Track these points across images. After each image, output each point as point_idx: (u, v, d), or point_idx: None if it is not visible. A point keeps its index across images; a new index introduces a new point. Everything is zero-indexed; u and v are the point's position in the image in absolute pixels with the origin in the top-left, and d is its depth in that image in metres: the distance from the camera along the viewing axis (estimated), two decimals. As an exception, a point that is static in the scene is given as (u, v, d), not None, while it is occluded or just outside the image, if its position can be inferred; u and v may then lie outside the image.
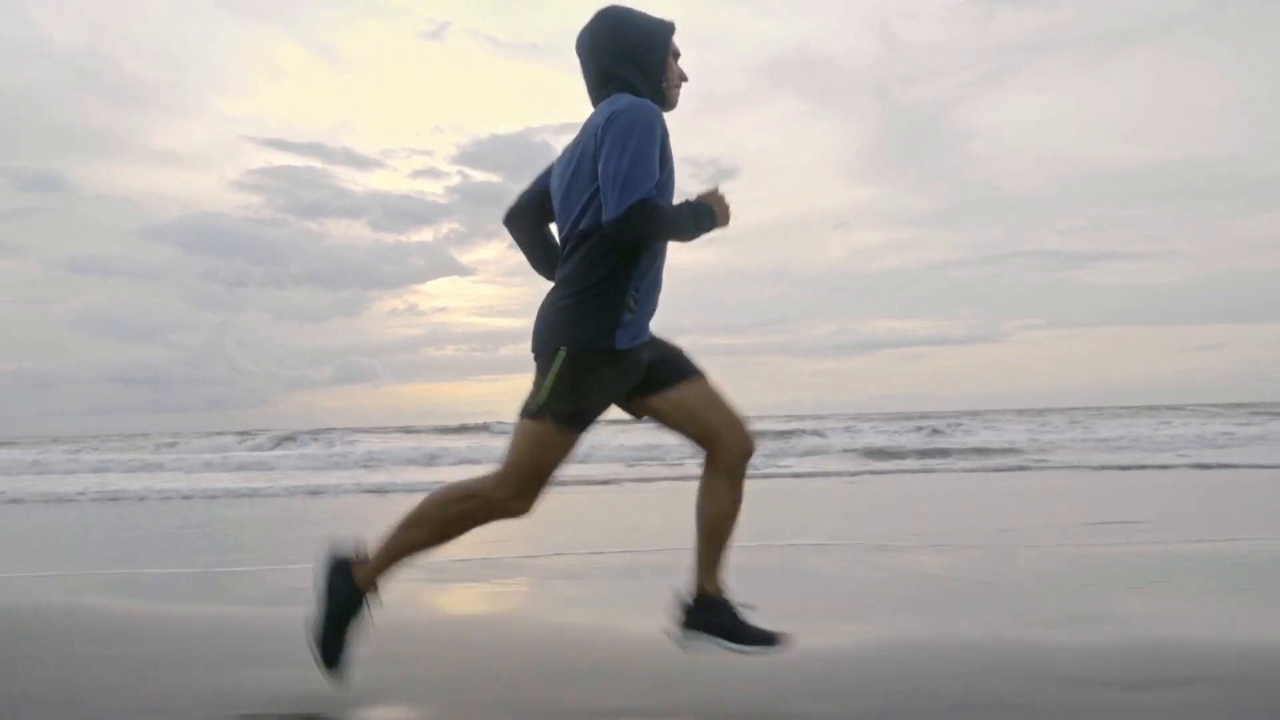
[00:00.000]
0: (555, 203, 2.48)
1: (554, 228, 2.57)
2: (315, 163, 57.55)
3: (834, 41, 56.05)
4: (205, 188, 58.65)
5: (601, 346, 2.28)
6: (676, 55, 2.48)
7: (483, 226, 57.52)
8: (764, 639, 2.50)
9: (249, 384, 55.27)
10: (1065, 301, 58.92)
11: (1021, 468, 13.34)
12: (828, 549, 5.93)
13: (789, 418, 30.47)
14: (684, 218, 2.28)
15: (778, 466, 13.78)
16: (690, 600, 2.55)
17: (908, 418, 26.44)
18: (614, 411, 2.50)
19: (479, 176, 54.23)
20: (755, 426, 2.58)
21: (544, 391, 2.30)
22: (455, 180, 53.54)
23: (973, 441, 17.97)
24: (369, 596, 2.44)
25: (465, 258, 60.91)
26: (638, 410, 2.51)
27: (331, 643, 2.40)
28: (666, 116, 2.39)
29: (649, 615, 3.06)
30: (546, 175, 2.59)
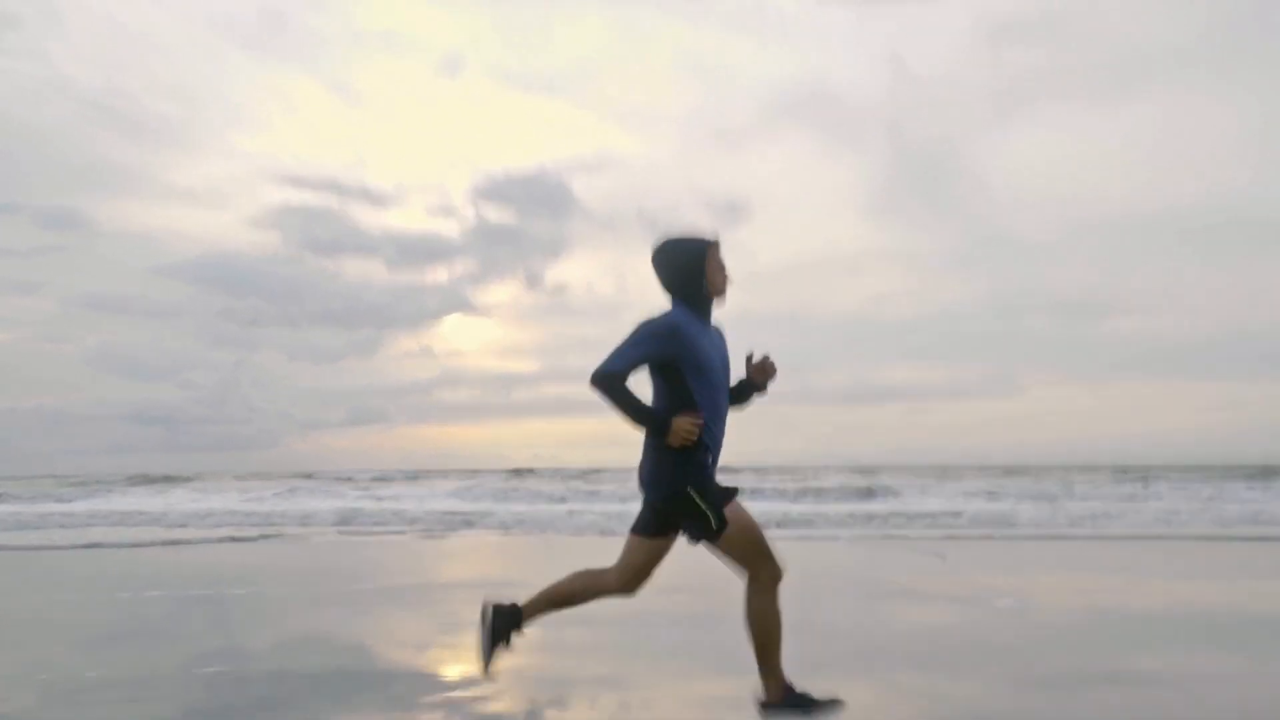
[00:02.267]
0: None
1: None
2: (331, 200, 58.19)
3: (846, 76, 56.24)
4: (222, 225, 59.30)
5: (700, 475, 3.13)
6: (718, 260, 3.24)
7: (497, 265, 57.87)
8: (825, 703, 3.16)
9: (263, 424, 55.47)
10: (1079, 354, 58.28)
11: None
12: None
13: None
14: (632, 409, 3.08)
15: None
16: (773, 694, 3.19)
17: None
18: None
19: (494, 214, 54.78)
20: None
21: (710, 517, 3.07)
22: (470, 218, 54.03)
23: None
24: (518, 627, 3.42)
25: (479, 298, 61.27)
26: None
27: (490, 654, 3.38)
28: (718, 311, 3.28)
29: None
30: None
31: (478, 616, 3.40)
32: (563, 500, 20.79)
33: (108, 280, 57.57)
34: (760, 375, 3.28)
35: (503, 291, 60.55)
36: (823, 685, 3.19)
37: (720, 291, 3.25)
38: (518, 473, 32.56)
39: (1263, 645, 4.79)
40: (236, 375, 54.75)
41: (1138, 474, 25.43)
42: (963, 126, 54.92)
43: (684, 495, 3.08)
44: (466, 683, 4.05)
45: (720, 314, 3.26)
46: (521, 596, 3.38)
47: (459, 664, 4.44)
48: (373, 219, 56.70)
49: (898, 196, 55.42)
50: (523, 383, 64.88)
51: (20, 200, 51.37)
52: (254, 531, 13.87)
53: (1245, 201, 49.88)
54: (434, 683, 4.12)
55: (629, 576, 3.27)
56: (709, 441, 3.13)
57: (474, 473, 33.64)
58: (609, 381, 3.04)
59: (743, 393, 3.28)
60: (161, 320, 56.08)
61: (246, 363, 56.42)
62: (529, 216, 53.90)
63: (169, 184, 53.38)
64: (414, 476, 32.03)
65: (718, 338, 3.27)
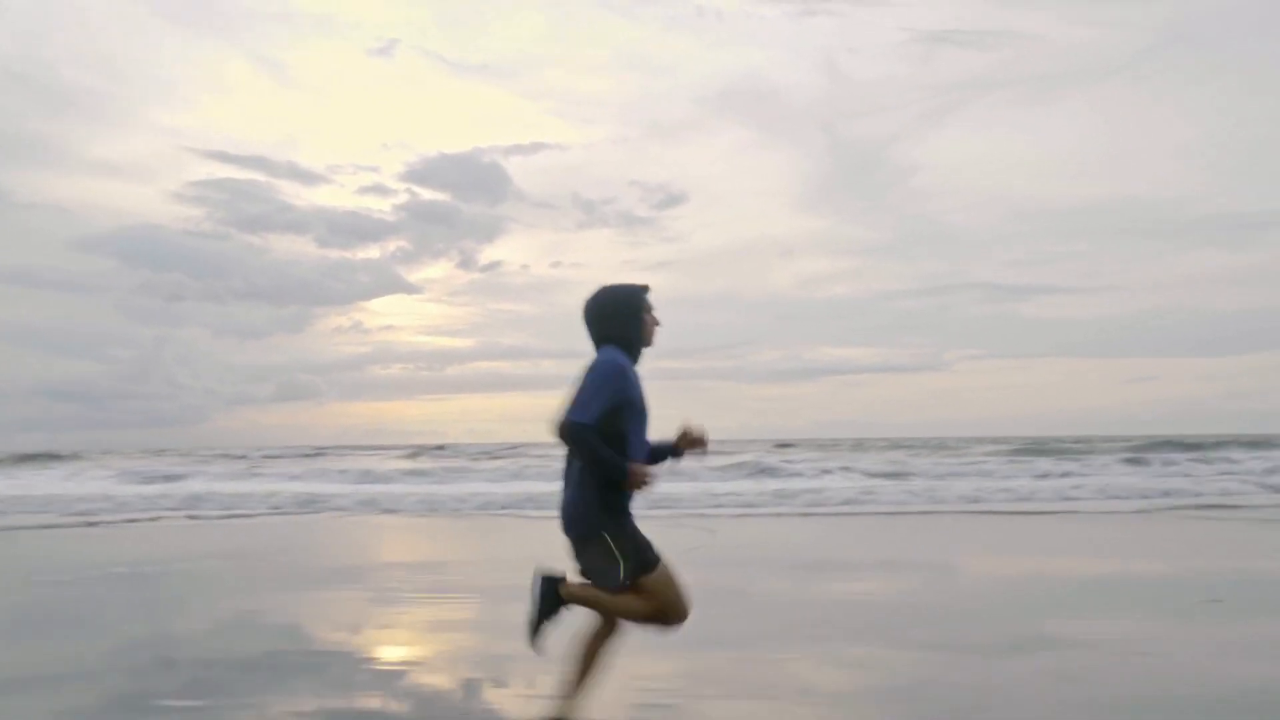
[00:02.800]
0: None
1: None
2: (259, 176, 56.69)
3: (782, 75, 57.04)
4: (144, 199, 57.49)
5: (624, 519, 3.12)
6: (650, 309, 3.30)
7: (431, 245, 57.11)
8: None
9: (187, 400, 54.01)
10: (1004, 333, 60.31)
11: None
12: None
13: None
14: (602, 458, 3.03)
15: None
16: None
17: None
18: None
19: (427, 195, 54.11)
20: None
21: (623, 567, 3.06)
22: (403, 198, 53.26)
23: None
24: (566, 604, 3.22)
25: (412, 276, 60.57)
26: None
27: (541, 628, 3.20)
28: (646, 353, 3.28)
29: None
30: None
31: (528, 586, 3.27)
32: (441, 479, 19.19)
33: (24, 253, 55.40)
34: (688, 447, 3.27)
35: (436, 270, 59.92)
36: (764, 657, 3.19)
37: (651, 340, 3.29)
38: (441, 449, 32.11)
39: (1165, 608, 4.99)
40: (158, 351, 53.23)
41: (1050, 447, 26.22)
42: (895, 125, 56.29)
43: (598, 539, 3.07)
44: (404, 663, 4.01)
45: (656, 296, 3.27)
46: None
47: (393, 644, 4.40)
48: (303, 197, 55.48)
49: (830, 188, 56.54)
50: (456, 359, 64.34)
51: (-71, 168, 48.92)
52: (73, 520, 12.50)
53: (1156, 198, 53.13)
54: (368, 664, 4.06)
55: (662, 609, 3.14)
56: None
57: (400, 449, 33.16)
58: (583, 433, 3.00)
59: (659, 454, 3.26)
60: (79, 294, 54.18)
61: (169, 338, 54.89)
62: (463, 198, 53.31)
63: (90, 157, 51.51)
64: (314, 454, 31.21)
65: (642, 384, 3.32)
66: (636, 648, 4.23)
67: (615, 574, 3.05)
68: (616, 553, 3.05)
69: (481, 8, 60.10)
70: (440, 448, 33.35)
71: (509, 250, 59.12)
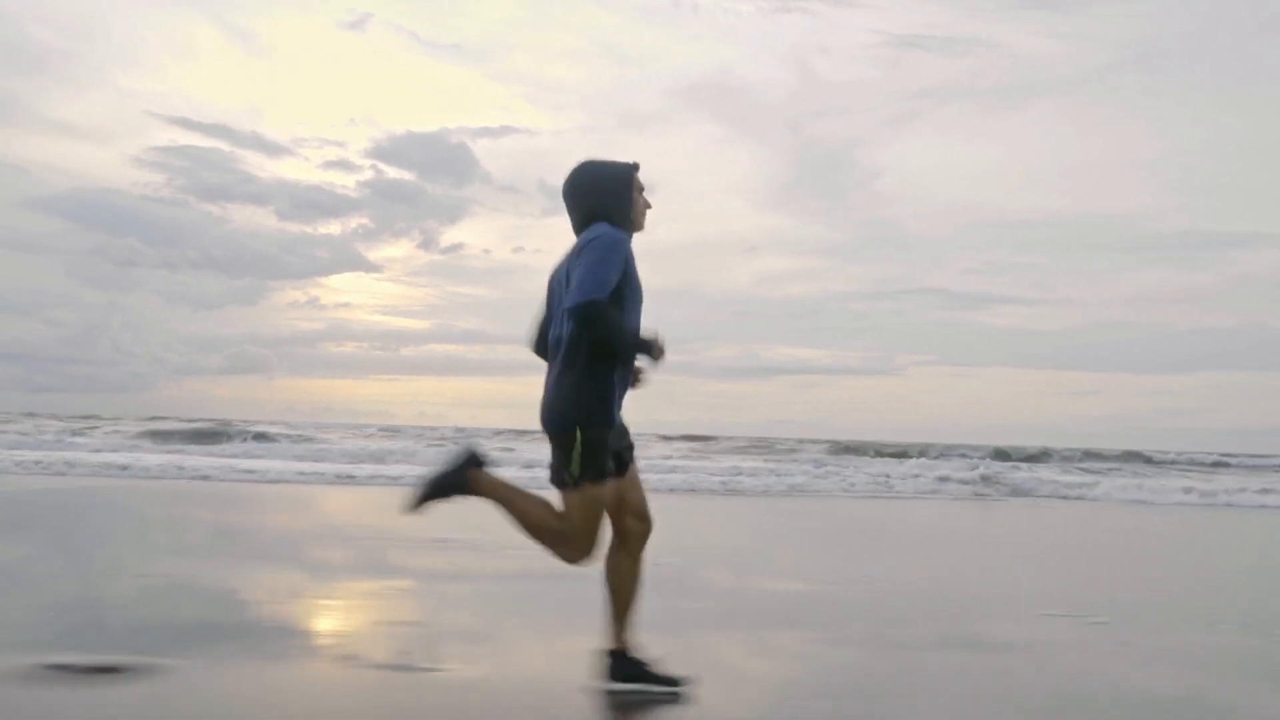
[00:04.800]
0: (552, 309, 3.05)
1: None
2: (221, 144, 55.34)
3: (753, 71, 57.13)
4: (102, 162, 55.89)
5: (603, 423, 2.87)
6: (641, 189, 3.04)
7: (392, 224, 56.41)
8: (670, 681, 3.07)
9: (132, 367, 52.79)
10: (958, 340, 61.23)
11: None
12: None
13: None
14: (624, 334, 2.82)
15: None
16: (608, 656, 3.10)
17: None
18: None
19: (392, 173, 53.21)
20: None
21: (575, 466, 2.84)
22: (368, 174, 52.36)
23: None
24: (466, 489, 3.01)
25: (372, 254, 59.76)
26: None
27: (428, 496, 2.99)
28: (636, 238, 3.02)
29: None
30: (547, 303, 3.13)
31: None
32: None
33: (-29, 208, 53.58)
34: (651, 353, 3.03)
35: (396, 249, 59.11)
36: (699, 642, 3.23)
37: (641, 224, 3.05)
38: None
39: (1093, 614, 5.12)
40: (107, 316, 51.94)
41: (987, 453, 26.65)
42: (861, 127, 56.64)
43: (570, 433, 2.83)
44: (337, 634, 3.99)
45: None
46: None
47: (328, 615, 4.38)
48: (265, 168, 54.26)
49: (794, 188, 56.79)
50: (411, 340, 63.70)
51: (-123, 116, 47.14)
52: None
53: (1116, 214, 54.25)
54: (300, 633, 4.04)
55: (567, 533, 2.92)
56: (618, 380, 2.91)
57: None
58: (603, 311, 2.71)
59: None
60: (28, 254, 52.59)
61: (118, 304, 53.55)
62: (428, 178, 52.60)
63: (47, 116, 49.74)
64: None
65: None
66: (565, 626, 4.26)
67: (568, 473, 2.84)
68: (578, 457, 2.81)
69: (454, -17, 59.41)
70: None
71: (471, 233, 58.56)
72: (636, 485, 3.08)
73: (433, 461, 3.07)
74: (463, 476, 2.98)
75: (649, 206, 3.07)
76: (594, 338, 2.79)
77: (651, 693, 3.06)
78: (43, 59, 47.73)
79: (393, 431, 31.99)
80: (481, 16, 59.99)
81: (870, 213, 56.65)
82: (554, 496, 2.96)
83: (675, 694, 3.05)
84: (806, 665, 3.76)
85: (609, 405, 2.88)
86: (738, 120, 57.63)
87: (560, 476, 2.90)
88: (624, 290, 2.84)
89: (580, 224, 2.99)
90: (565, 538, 2.93)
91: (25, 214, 52.41)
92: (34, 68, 48.10)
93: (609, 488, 2.90)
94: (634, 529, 3.05)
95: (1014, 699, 3.33)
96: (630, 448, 3.06)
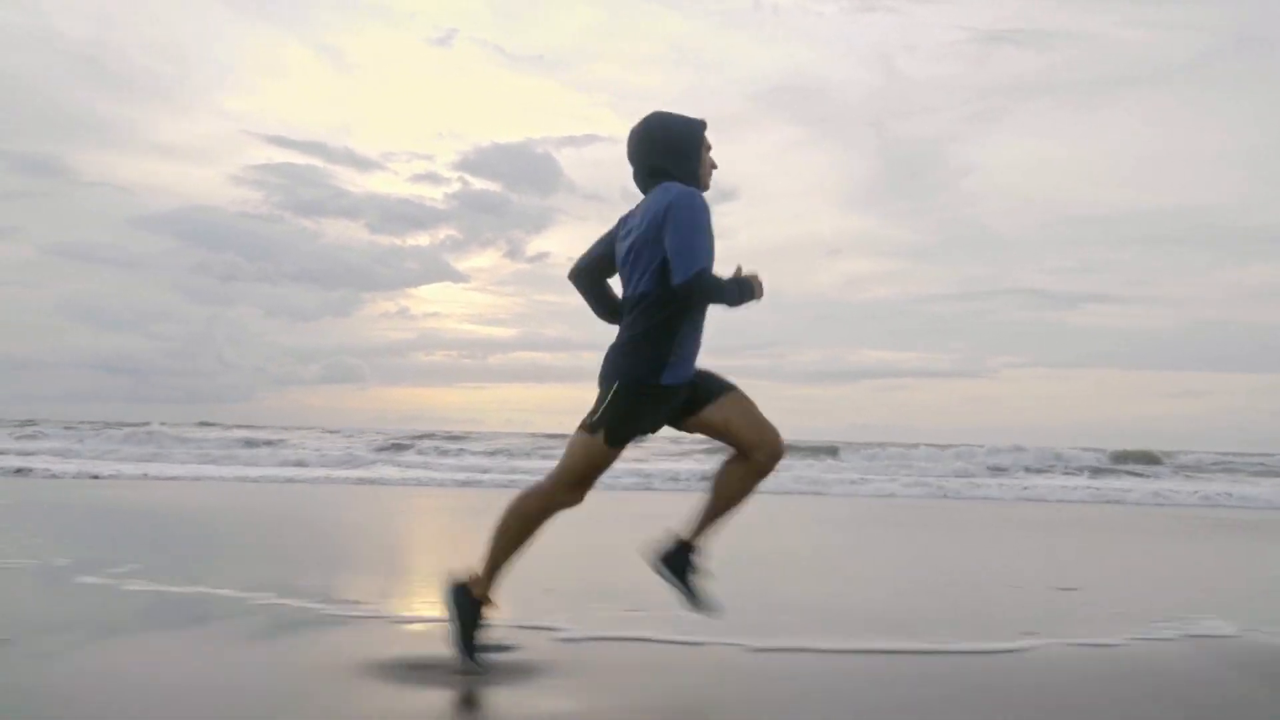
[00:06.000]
0: (619, 267, 3.01)
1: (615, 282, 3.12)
2: (316, 161, 57.31)
3: (835, 72, 56.29)
4: (203, 181, 58.43)
5: (648, 381, 2.80)
6: (709, 147, 2.99)
7: (480, 234, 57.31)
8: (705, 602, 3.03)
9: (233, 378, 54.91)
10: (1050, 340, 58.98)
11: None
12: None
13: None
14: (731, 290, 2.81)
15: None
16: (673, 541, 3.02)
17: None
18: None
19: (479, 184, 54.09)
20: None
21: (600, 413, 2.82)
22: (455, 187, 53.47)
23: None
24: (485, 606, 2.94)
25: (460, 264, 60.73)
26: (689, 428, 2.98)
27: (468, 647, 2.90)
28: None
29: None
30: (605, 241, 3.11)
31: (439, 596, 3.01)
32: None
33: (85, 229, 56.65)
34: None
35: (483, 259, 60.07)
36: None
37: (707, 183, 2.99)
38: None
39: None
40: (210, 329, 54.14)
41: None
42: (947, 125, 55.15)
43: (611, 384, 2.81)
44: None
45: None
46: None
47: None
48: (357, 183, 55.82)
49: (877, 189, 55.61)
50: (499, 348, 64.70)
51: (3, 146, 50.52)
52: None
53: (1212, 207, 51.57)
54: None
55: (749, 445, 2.94)
56: (689, 333, 2.85)
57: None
58: (707, 280, 2.72)
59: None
60: (136, 271, 55.19)
61: (220, 317, 55.77)
62: (514, 188, 53.39)
63: (152, 139, 52.46)
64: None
65: None
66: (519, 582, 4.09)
67: (594, 420, 2.81)
68: (610, 408, 2.78)
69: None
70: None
71: (557, 241, 59.14)
72: (745, 413, 2.94)
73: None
74: (469, 599, 2.91)
75: (715, 166, 3.02)
76: (706, 302, 2.81)
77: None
78: (147, 85, 50.35)
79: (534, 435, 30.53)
80: (564, 27, 60.74)
81: (956, 212, 55.14)
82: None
83: (698, 610, 3.02)
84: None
85: (663, 367, 2.81)
86: (819, 122, 56.86)
87: (585, 418, 2.88)
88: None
89: (645, 179, 2.95)
90: (544, 497, 2.91)
91: (133, 233, 55.33)
92: (139, 93, 50.72)
93: (615, 454, 2.85)
94: (757, 456, 2.93)
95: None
96: (710, 378, 2.97)
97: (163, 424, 25.59)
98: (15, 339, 56.87)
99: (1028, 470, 19.73)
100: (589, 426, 2.83)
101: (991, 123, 52.88)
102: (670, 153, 2.89)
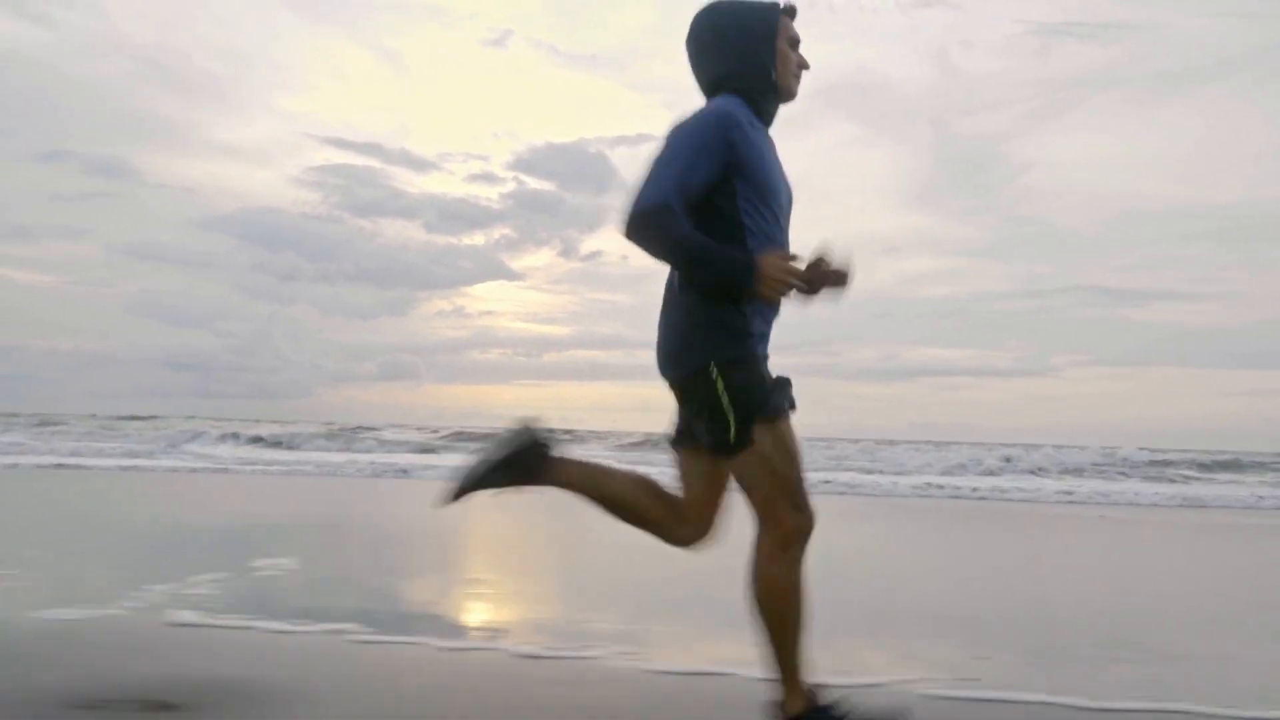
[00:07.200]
0: None
1: None
2: (373, 162, 58.37)
3: (892, 69, 55.53)
4: (264, 182, 59.73)
5: (740, 351, 2.10)
6: (795, 42, 2.25)
7: (534, 233, 57.75)
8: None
9: (293, 375, 55.94)
10: (1116, 339, 57.54)
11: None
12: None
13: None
14: (694, 249, 2.01)
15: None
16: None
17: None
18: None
19: (533, 184, 54.51)
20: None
21: (728, 414, 2.06)
22: (510, 186, 53.95)
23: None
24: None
25: (515, 263, 61.17)
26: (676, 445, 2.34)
27: (481, 483, 2.22)
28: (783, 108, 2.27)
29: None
30: None
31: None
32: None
33: (151, 230, 58.38)
34: (822, 281, 2.21)
35: (538, 258, 60.47)
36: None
37: (791, 90, 2.24)
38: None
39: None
40: (270, 327, 55.28)
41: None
42: (1007, 121, 54.21)
43: (704, 374, 2.06)
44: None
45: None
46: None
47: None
48: (413, 183, 56.66)
49: (938, 186, 54.88)
50: (553, 346, 64.95)
51: (72, 148, 52.56)
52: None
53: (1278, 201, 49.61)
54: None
55: (690, 510, 2.25)
56: (751, 309, 2.11)
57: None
58: (649, 221, 1.98)
59: None
60: (200, 271, 56.73)
61: (280, 315, 56.96)
62: (568, 187, 53.71)
63: (215, 140, 53.95)
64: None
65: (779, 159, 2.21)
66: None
67: (724, 430, 2.05)
68: (724, 398, 2.04)
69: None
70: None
71: (610, 241, 59.57)
72: (715, 476, 2.25)
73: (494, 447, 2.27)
74: (525, 468, 2.23)
75: (805, 67, 2.25)
76: (648, 252, 2.04)
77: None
78: (210, 88, 51.64)
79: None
80: (617, 27, 60.80)
81: (1017, 209, 54.14)
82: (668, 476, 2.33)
83: None
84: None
85: (742, 336, 2.10)
86: (877, 119, 56.21)
87: (686, 436, 2.21)
88: (735, 184, 2.09)
89: (707, 90, 2.24)
90: (677, 515, 2.25)
91: (196, 233, 56.91)
92: (202, 96, 52.05)
93: (782, 425, 2.08)
94: (686, 522, 2.27)
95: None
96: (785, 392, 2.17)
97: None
98: (87, 336, 58.65)
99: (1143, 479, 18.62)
100: (732, 444, 2.08)
101: (1053, 118, 51.79)
102: (732, 51, 2.16)
